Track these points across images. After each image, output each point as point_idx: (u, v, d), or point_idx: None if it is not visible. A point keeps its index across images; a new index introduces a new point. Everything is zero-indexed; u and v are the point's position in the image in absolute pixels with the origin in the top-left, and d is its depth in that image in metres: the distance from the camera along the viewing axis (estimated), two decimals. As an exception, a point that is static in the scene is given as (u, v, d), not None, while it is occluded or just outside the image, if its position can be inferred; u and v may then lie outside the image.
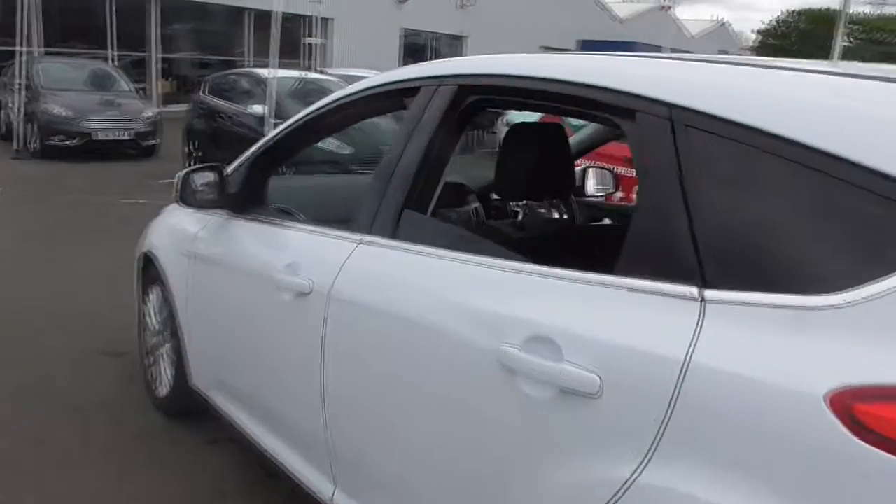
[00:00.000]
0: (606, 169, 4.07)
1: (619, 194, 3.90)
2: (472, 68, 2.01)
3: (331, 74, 13.20)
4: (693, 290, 1.27)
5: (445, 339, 1.66)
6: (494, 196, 3.44)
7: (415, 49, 26.37)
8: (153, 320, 3.31)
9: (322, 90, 10.60)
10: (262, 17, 18.49)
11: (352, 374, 1.97)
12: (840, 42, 8.06)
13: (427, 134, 1.96)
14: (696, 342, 1.22)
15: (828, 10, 42.05)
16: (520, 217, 2.19)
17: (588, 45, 30.22)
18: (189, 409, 3.08)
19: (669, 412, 1.22)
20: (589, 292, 1.43)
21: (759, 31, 46.81)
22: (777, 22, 45.17)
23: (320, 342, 2.02)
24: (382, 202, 2.01)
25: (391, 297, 1.85)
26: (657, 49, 23.03)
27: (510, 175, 2.08)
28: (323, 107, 2.47)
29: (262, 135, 8.15)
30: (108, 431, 3.09)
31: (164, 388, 3.22)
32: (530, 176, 2.09)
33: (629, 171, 6.40)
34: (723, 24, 46.47)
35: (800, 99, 1.31)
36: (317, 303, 2.04)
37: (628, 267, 1.40)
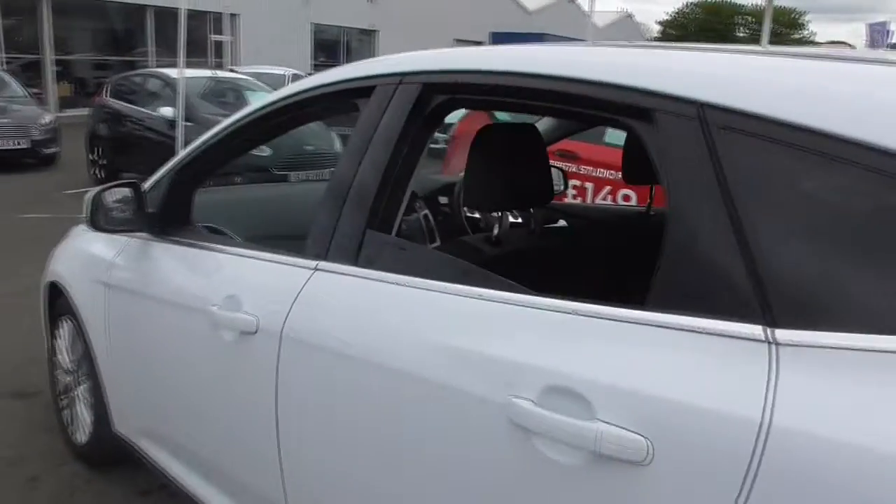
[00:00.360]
0: (556, 167, 3.87)
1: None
2: (439, 63, 1.73)
3: (242, 72, 12.68)
4: (758, 330, 1.03)
5: (437, 389, 1.38)
6: (442, 200, 3.19)
7: (326, 45, 25.83)
8: (65, 357, 2.92)
9: (236, 89, 10.14)
10: (164, 15, 17.73)
11: (315, 429, 1.67)
12: (768, 32, 8.11)
13: (387, 141, 1.68)
14: (774, 397, 0.98)
15: (722, 1, 43.84)
16: (495, 231, 1.91)
17: (499, 38, 30.25)
18: (115, 456, 2.71)
19: (749, 486, 0.98)
20: (620, 332, 1.17)
21: (661, 23, 48.28)
22: (677, 13, 46.80)
23: (273, 390, 1.72)
24: (339, 221, 1.72)
25: (362, 337, 1.55)
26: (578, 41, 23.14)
27: (487, 184, 1.80)
28: (256, 111, 2.15)
29: (173, 139, 7.75)
30: (20, 495, 2.67)
31: (83, 434, 2.83)
32: (510, 184, 1.82)
33: (564, 166, 6.29)
34: (629, 15, 47.47)
35: (867, 95, 1.09)
36: (266, 343, 1.74)
37: (666, 300, 1.15)
